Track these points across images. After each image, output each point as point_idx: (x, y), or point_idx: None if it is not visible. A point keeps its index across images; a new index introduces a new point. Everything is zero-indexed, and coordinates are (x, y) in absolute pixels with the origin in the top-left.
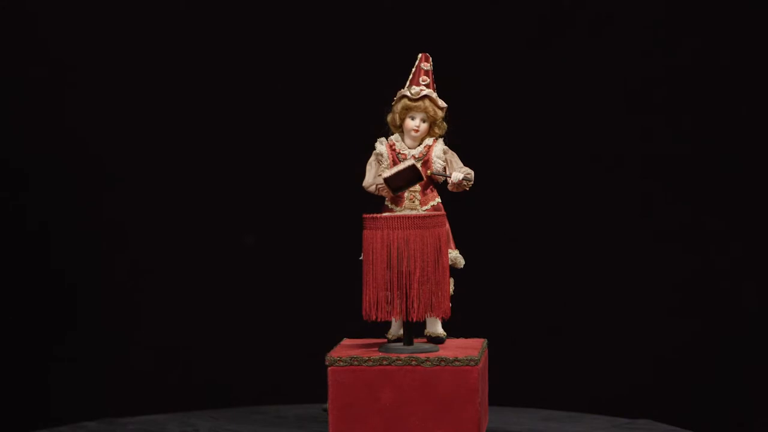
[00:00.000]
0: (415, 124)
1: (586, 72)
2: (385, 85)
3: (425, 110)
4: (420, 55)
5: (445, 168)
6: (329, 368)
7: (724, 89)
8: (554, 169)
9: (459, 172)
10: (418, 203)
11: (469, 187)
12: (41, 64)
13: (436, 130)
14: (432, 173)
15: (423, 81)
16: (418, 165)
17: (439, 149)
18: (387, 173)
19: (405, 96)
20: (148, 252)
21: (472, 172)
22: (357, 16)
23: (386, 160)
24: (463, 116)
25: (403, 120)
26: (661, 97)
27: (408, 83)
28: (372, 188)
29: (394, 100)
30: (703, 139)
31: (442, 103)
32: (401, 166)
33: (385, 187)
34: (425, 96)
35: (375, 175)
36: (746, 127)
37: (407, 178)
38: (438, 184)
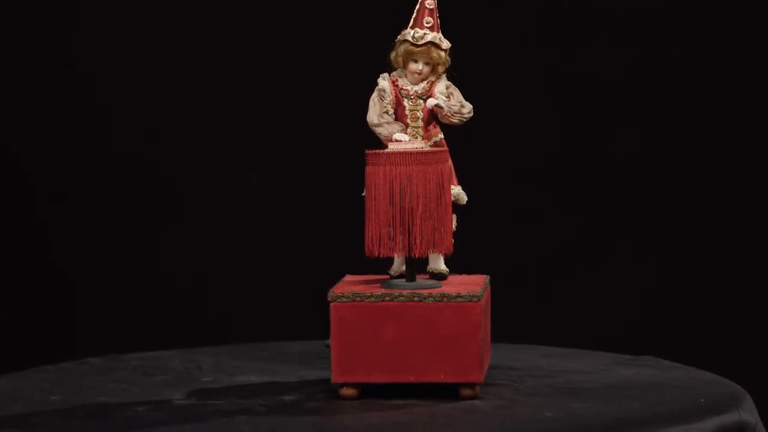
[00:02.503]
0: (417, 67)
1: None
2: (388, 19)
3: (428, 54)
4: None
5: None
6: (331, 304)
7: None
8: (557, 106)
9: (434, 99)
10: (421, 139)
11: (460, 120)
12: None
13: (440, 69)
14: (434, 108)
15: (427, 23)
16: (421, 101)
17: (441, 85)
18: (394, 146)
19: (407, 41)
20: (151, 190)
21: (468, 106)
22: None
23: (389, 95)
24: (466, 51)
25: (405, 63)
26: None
27: (411, 23)
28: (376, 129)
29: (396, 40)
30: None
31: (445, 45)
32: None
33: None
34: (428, 42)
35: (378, 112)
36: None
37: None
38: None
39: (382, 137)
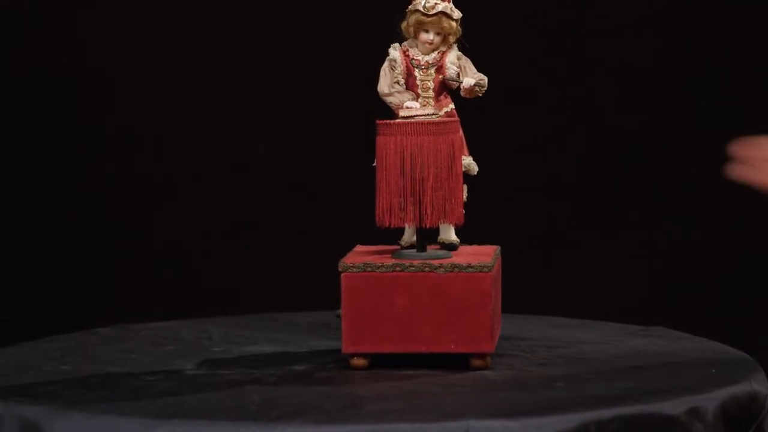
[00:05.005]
0: (428, 37)
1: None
2: None
3: (439, 24)
4: None
5: (458, 74)
6: (342, 274)
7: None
8: (567, 75)
9: (471, 78)
10: (432, 109)
11: (482, 93)
12: None
13: (451, 39)
14: (445, 79)
15: None
16: (432, 71)
17: (453, 55)
18: (405, 113)
19: (418, 10)
20: (160, 159)
21: (485, 78)
22: None
23: (400, 65)
24: (477, 23)
25: (416, 33)
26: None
27: None
28: (386, 98)
29: (407, 10)
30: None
31: (456, 15)
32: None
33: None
34: (439, 11)
35: (389, 82)
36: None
37: None
38: (452, 90)
39: (393, 106)
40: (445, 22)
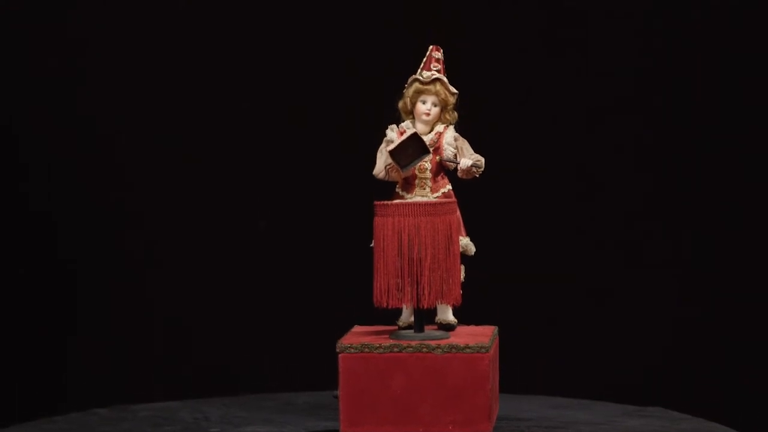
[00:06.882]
0: (426, 107)
1: (593, 59)
2: (396, 72)
3: (436, 93)
4: (431, 47)
5: (455, 155)
6: (340, 355)
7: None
8: (565, 155)
9: (468, 159)
10: (429, 190)
11: (479, 174)
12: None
13: (447, 116)
14: (442, 160)
15: (434, 67)
16: (426, 144)
17: (449, 136)
18: (391, 146)
19: (417, 80)
20: (159, 239)
21: (482, 159)
22: (370, 4)
23: None
24: (472, 102)
25: (414, 104)
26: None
27: (420, 69)
28: (382, 174)
29: (405, 86)
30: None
31: (453, 89)
32: (404, 137)
33: (394, 165)
34: (437, 79)
35: (385, 161)
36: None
37: (412, 149)
38: (449, 171)
39: (392, 173)
40: (442, 91)
